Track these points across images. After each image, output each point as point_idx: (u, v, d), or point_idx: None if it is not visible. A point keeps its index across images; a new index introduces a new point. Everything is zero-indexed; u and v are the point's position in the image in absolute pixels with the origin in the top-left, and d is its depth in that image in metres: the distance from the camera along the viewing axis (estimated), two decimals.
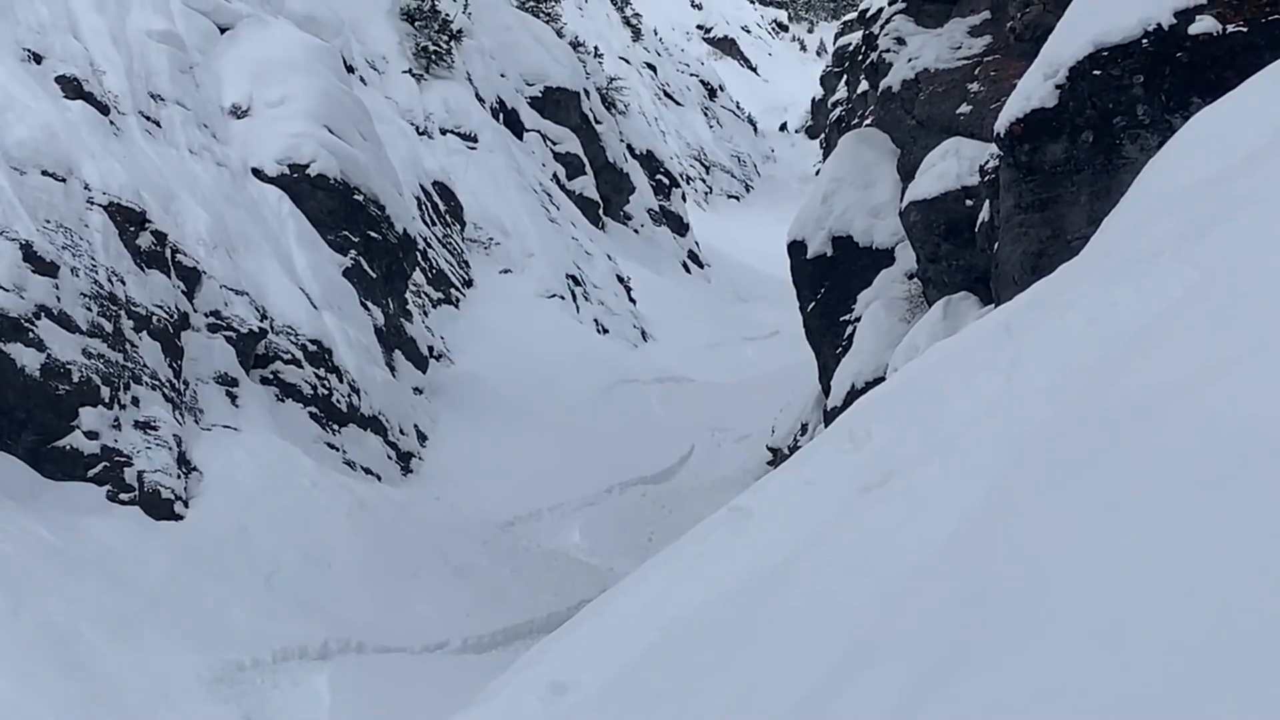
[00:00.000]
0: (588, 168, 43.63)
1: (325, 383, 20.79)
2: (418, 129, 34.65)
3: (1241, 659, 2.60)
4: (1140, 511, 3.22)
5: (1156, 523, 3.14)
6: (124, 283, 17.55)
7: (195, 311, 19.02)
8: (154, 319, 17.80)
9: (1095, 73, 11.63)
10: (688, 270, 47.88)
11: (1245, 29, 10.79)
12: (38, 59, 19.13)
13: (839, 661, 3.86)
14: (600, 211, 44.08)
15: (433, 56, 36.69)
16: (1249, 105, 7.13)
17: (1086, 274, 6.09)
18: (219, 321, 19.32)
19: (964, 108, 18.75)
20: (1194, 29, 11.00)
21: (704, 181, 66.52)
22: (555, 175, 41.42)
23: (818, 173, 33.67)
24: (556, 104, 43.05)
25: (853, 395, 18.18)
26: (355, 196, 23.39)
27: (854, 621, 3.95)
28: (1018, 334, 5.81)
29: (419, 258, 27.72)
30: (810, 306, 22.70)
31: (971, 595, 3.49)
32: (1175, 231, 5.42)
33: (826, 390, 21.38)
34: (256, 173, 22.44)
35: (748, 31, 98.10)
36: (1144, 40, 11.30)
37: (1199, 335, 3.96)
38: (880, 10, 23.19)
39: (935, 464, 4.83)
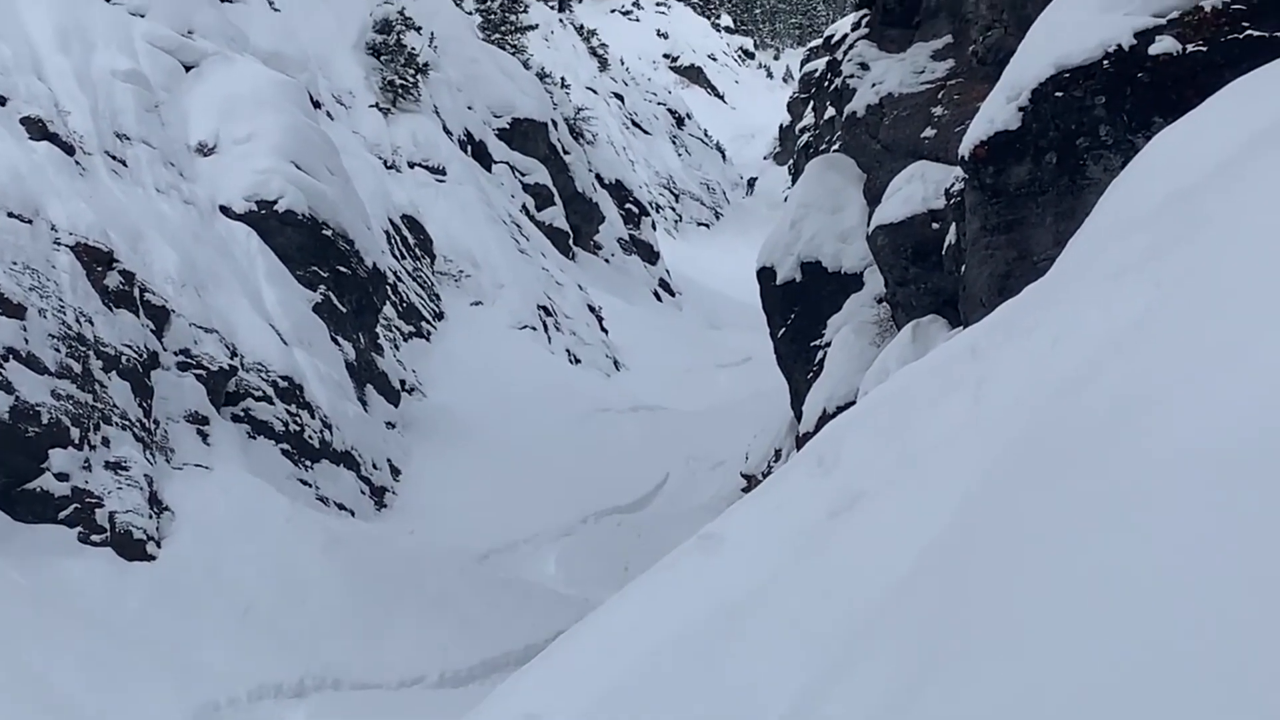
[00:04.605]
0: (557, 198, 43.70)
1: (297, 419, 20.74)
2: (385, 163, 34.67)
3: (1206, 679, 2.61)
4: (1105, 530, 3.24)
5: (1121, 541, 3.15)
6: (92, 323, 17.50)
7: (165, 350, 18.97)
8: (123, 358, 17.75)
9: (1057, 94, 11.69)
10: (659, 298, 47.94)
11: (1205, 48, 10.86)
12: (2, 101, 19.11)
13: (809, 687, 3.87)
14: (570, 241, 44.13)
15: (399, 90, 36.72)
16: (1210, 124, 7.17)
17: (1051, 294, 6.12)
18: (189, 360, 19.27)
19: (928, 131, 18.81)
20: (1154, 49, 11.07)
21: (674, 209, 66.68)
22: (524, 206, 41.47)
23: (786, 199, 33.76)
24: (524, 135, 43.12)
25: (824, 420, 18.19)
26: (324, 231, 23.38)
27: (823, 647, 3.95)
28: (984, 356, 5.83)
29: (389, 291, 27.71)
30: (781, 332, 22.72)
31: (937, 620, 3.49)
32: (1138, 251, 5.45)
33: (799, 415, 21.40)
34: (224, 210, 22.42)
35: (714, 59, 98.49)
36: (1105, 61, 11.36)
37: (1160, 354, 3.98)
38: (844, 36, 23.29)
39: (902, 488, 4.84)
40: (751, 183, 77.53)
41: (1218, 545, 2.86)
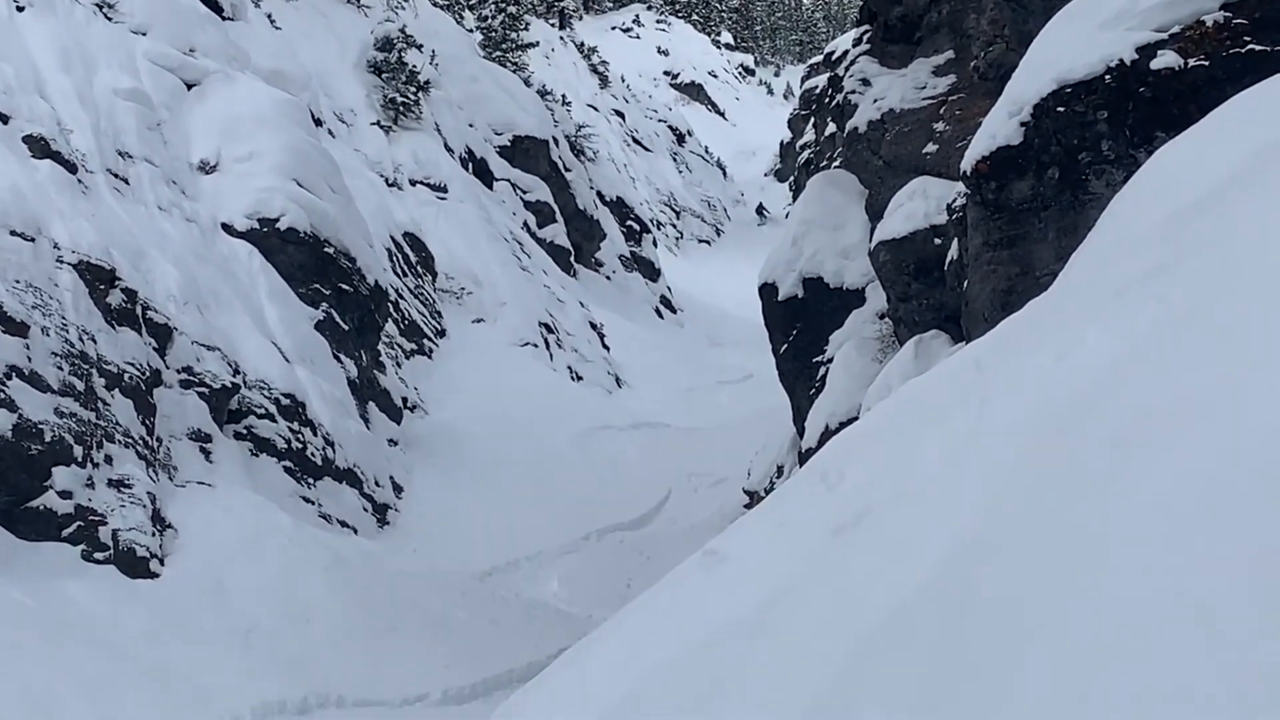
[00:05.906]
0: (558, 215, 43.75)
1: (299, 436, 20.74)
2: (387, 181, 34.71)
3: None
4: (1113, 554, 3.22)
5: (1130, 566, 3.14)
6: (95, 341, 17.50)
7: (167, 368, 18.98)
8: (126, 376, 17.75)
9: (1059, 109, 11.69)
10: (660, 316, 47.98)
11: (1206, 63, 10.85)
12: (4, 120, 19.13)
13: (813, 710, 3.85)
14: (572, 259, 44.18)
15: (401, 108, 36.79)
16: (1212, 139, 7.15)
17: (1054, 310, 6.10)
18: (191, 378, 19.28)
19: (930, 147, 18.83)
20: (1156, 64, 11.06)
21: (674, 226, 66.74)
22: (526, 224, 41.52)
23: (787, 215, 33.77)
24: (525, 153, 43.19)
25: (826, 436, 18.18)
26: (326, 249, 23.39)
27: (828, 670, 3.94)
28: (988, 371, 5.80)
29: (391, 309, 27.72)
30: (783, 349, 22.73)
31: (946, 644, 3.47)
32: (1142, 267, 5.43)
33: (801, 432, 21.39)
34: (226, 228, 22.44)
35: (715, 76, 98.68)
36: (1106, 76, 11.35)
37: (1166, 372, 3.97)
38: (845, 52, 23.32)
39: (908, 505, 4.82)
40: (761, 209, 76.03)
41: (1224, 576, 2.84)
